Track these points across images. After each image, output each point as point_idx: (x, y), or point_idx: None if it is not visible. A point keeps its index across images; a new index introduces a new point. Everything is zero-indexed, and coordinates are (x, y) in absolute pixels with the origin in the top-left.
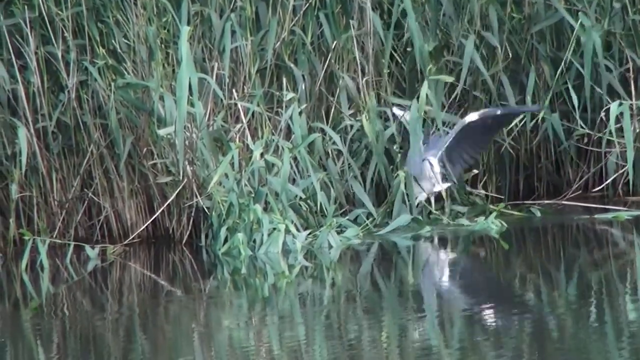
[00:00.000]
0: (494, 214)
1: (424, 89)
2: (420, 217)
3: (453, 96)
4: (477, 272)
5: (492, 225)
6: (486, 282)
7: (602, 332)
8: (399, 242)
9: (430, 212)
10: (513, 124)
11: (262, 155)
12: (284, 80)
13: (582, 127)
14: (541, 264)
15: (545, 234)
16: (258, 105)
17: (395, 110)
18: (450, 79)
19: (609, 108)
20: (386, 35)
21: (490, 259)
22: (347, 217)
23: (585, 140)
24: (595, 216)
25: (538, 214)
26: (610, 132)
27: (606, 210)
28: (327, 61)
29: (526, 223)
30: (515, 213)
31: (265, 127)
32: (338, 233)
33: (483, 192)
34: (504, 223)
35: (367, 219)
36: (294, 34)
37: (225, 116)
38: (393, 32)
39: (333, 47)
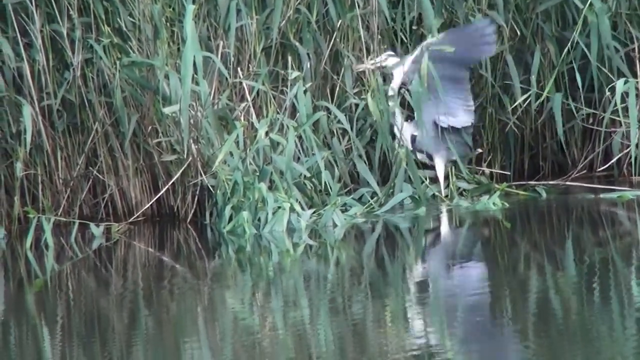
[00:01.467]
0: (497, 193)
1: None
2: (418, 197)
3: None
4: (481, 252)
5: (493, 205)
6: (489, 262)
7: (607, 311)
8: (400, 222)
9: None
10: (517, 102)
11: (267, 133)
12: (289, 58)
13: (586, 107)
14: (545, 244)
15: (551, 214)
16: (263, 84)
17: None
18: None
19: (615, 87)
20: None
21: (493, 239)
22: (351, 196)
23: (591, 120)
24: (601, 196)
25: (544, 193)
26: (616, 111)
27: (611, 190)
28: (332, 40)
29: (531, 203)
30: (520, 192)
31: (270, 106)
32: (342, 212)
33: (487, 169)
34: (505, 203)
35: (372, 197)
36: (299, 13)
37: (230, 95)
38: (397, 11)
39: (338, 26)
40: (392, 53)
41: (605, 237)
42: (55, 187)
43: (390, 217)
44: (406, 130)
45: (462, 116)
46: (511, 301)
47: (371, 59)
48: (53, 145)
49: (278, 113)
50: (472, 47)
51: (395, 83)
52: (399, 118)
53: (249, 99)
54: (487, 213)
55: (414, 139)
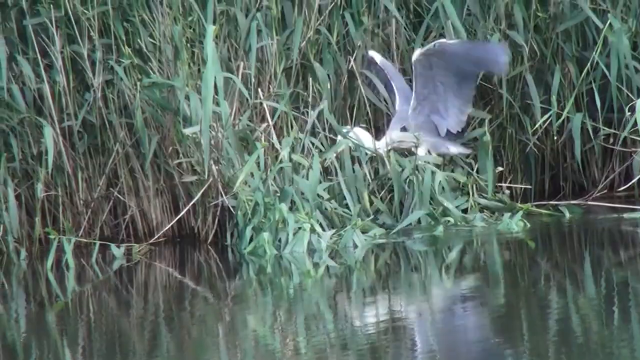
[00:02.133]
0: (520, 213)
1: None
2: (435, 213)
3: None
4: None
5: (515, 225)
6: (517, 284)
7: (628, 333)
8: (415, 245)
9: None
10: (538, 124)
11: (289, 155)
12: (310, 79)
13: (606, 127)
14: (577, 266)
15: (575, 234)
16: (284, 105)
17: (373, 54)
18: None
19: (634, 106)
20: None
21: (514, 259)
22: (370, 217)
23: (611, 140)
24: (624, 215)
25: (567, 213)
26: (636, 131)
27: (633, 210)
28: (353, 60)
29: (553, 223)
30: (543, 211)
31: (292, 127)
32: (363, 232)
33: (507, 188)
34: (527, 222)
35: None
36: (320, 33)
37: (251, 115)
38: (417, 32)
39: (358, 46)
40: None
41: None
42: (76, 208)
43: (409, 239)
44: (380, 144)
45: (452, 120)
46: (558, 325)
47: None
48: (74, 167)
49: (299, 133)
50: (483, 61)
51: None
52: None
53: (270, 119)
54: (509, 233)
55: (404, 129)
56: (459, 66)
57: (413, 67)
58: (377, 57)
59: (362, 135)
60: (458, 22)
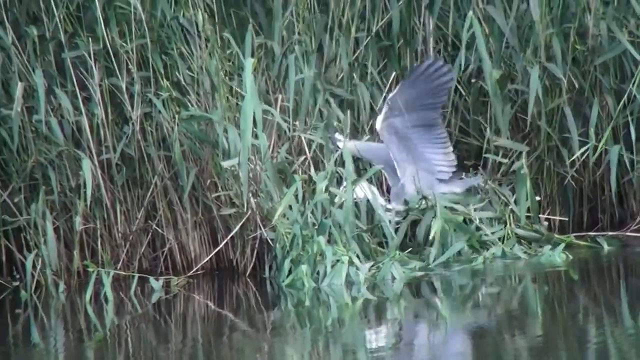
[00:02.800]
0: (562, 245)
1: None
2: (475, 244)
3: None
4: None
5: (558, 257)
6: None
7: None
8: (454, 278)
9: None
10: (575, 156)
11: (326, 188)
12: (347, 111)
13: None
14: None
15: (612, 267)
16: (321, 138)
17: (338, 136)
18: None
19: None
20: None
21: (560, 293)
22: (408, 250)
23: None
24: None
25: (605, 245)
26: None
27: None
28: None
29: (593, 255)
30: (582, 243)
31: (329, 159)
32: (402, 265)
33: (545, 220)
34: (569, 254)
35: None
36: (356, 66)
37: (289, 148)
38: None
39: (394, 78)
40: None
41: None
42: (114, 241)
43: (448, 271)
44: (393, 201)
45: (443, 163)
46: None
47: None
48: (112, 199)
49: (336, 165)
50: (431, 87)
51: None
52: (378, 199)
53: (307, 152)
54: (550, 266)
55: (405, 202)
56: (417, 108)
57: (381, 138)
58: (339, 141)
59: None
60: (486, 55)
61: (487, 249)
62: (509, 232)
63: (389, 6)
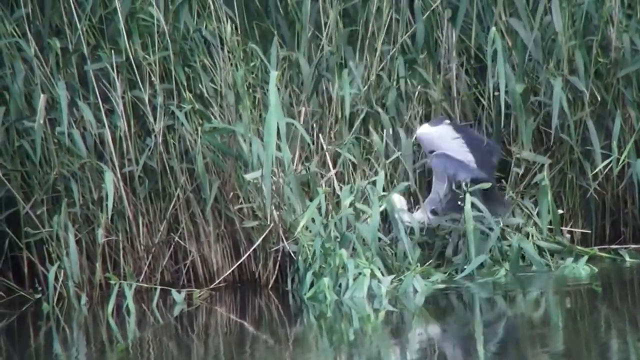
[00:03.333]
0: (585, 258)
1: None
2: (497, 257)
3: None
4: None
5: (582, 270)
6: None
7: None
8: (477, 290)
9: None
10: (598, 169)
11: (351, 203)
12: (371, 125)
13: None
14: None
15: (634, 280)
16: (348, 151)
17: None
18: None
19: None
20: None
21: (582, 306)
22: (430, 262)
23: None
24: None
25: (627, 257)
26: None
27: None
28: (413, 105)
29: (614, 268)
30: (604, 255)
31: (355, 173)
32: (424, 278)
33: (567, 232)
34: (593, 267)
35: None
36: (381, 79)
37: (313, 161)
38: (479, 77)
39: (417, 91)
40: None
41: None
42: (136, 253)
43: (471, 283)
44: (418, 216)
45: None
46: None
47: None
48: (134, 212)
49: (363, 180)
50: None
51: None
52: (405, 216)
53: (331, 166)
54: (573, 278)
55: (434, 212)
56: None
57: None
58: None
59: (398, 203)
60: (507, 71)
61: (509, 261)
62: (531, 244)
63: (411, 19)
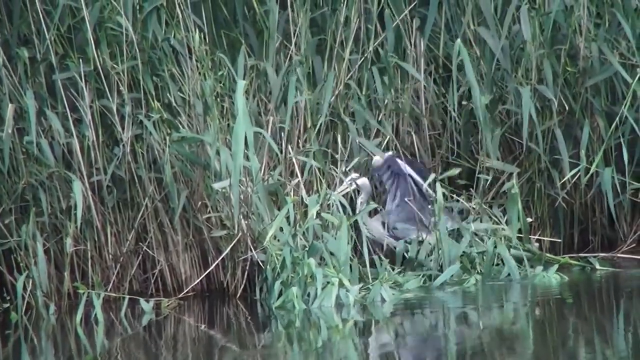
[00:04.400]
0: (555, 266)
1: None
2: (467, 264)
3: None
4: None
5: (553, 278)
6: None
7: None
8: (446, 299)
9: (474, 261)
10: (566, 178)
11: (318, 213)
12: (339, 134)
13: (635, 181)
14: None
15: (602, 289)
16: (315, 160)
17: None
18: (455, 172)
19: None
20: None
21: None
22: (397, 271)
23: None
24: None
25: (597, 265)
26: None
27: None
28: (380, 115)
29: (584, 277)
30: (574, 262)
31: (321, 182)
32: (397, 285)
33: (536, 240)
34: (563, 276)
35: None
36: (349, 88)
37: (281, 170)
38: (448, 86)
39: (385, 102)
40: (357, 175)
41: None
42: (105, 263)
43: (439, 292)
44: (373, 223)
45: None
46: None
47: (347, 181)
48: (103, 221)
49: (328, 188)
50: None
51: (363, 199)
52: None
53: (299, 175)
54: (543, 288)
55: (384, 225)
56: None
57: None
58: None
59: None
60: (475, 82)
61: (479, 271)
62: (500, 252)
63: (379, 29)
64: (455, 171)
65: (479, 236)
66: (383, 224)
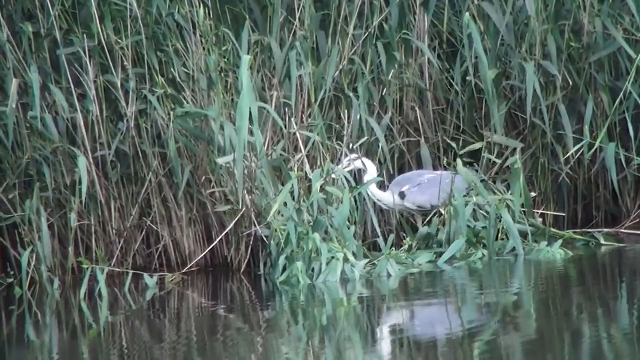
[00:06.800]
0: (560, 241)
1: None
2: (472, 238)
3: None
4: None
5: (557, 254)
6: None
7: None
8: (452, 274)
9: (479, 234)
10: (570, 153)
11: (322, 187)
12: (344, 109)
13: (638, 157)
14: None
15: (606, 264)
16: (318, 135)
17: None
18: (477, 147)
19: None
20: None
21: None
22: (402, 249)
23: None
24: None
25: (602, 239)
26: None
27: None
28: (385, 90)
29: (588, 252)
30: (578, 237)
31: (325, 157)
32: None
33: (540, 215)
34: (567, 251)
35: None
36: (353, 63)
37: (285, 145)
38: (452, 62)
39: (390, 76)
40: (356, 155)
41: None
42: (108, 238)
43: (446, 267)
44: (383, 194)
45: None
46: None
47: (345, 163)
48: (107, 196)
49: (331, 164)
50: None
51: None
52: (376, 191)
53: (303, 149)
54: (548, 263)
55: (402, 195)
56: None
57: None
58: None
59: (371, 171)
60: (482, 53)
61: (484, 244)
62: (504, 225)
63: (383, 5)
64: (477, 145)
65: (484, 210)
66: (400, 194)
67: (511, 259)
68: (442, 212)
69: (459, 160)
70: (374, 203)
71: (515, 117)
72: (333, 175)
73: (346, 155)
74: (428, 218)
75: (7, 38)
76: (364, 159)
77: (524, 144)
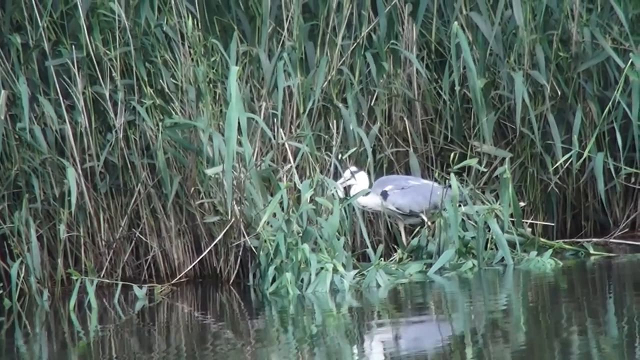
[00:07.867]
0: (550, 251)
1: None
2: (462, 248)
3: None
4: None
5: (547, 264)
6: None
7: None
8: (442, 284)
9: (468, 245)
10: (559, 163)
11: (311, 197)
12: (333, 119)
13: (628, 166)
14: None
15: (595, 273)
16: (307, 145)
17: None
18: (474, 162)
19: None
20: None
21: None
22: (391, 259)
23: (632, 179)
24: None
25: (591, 249)
26: None
27: None
28: (374, 100)
29: (578, 262)
30: (568, 247)
31: (315, 168)
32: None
33: (529, 225)
34: (557, 261)
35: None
36: (342, 74)
37: (274, 156)
38: (440, 72)
39: (379, 86)
40: (355, 169)
41: None
42: (98, 249)
43: (435, 277)
44: (370, 199)
45: None
46: None
47: (348, 175)
48: (96, 207)
49: (321, 173)
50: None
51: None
52: (361, 199)
53: (292, 160)
54: (539, 273)
55: (384, 194)
56: None
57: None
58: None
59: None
60: (472, 62)
61: (474, 255)
62: (493, 236)
63: (371, 15)
64: (473, 161)
65: (473, 220)
66: (383, 193)
67: (501, 269)
68: (426, 221)
69: (452, 176)
70: (363, 212)
71: (504, 127)
72: (333, 190)
73: (342, 163)
74: (416, 230)
75: None
76: (359, 173)
77: (512, 154)
